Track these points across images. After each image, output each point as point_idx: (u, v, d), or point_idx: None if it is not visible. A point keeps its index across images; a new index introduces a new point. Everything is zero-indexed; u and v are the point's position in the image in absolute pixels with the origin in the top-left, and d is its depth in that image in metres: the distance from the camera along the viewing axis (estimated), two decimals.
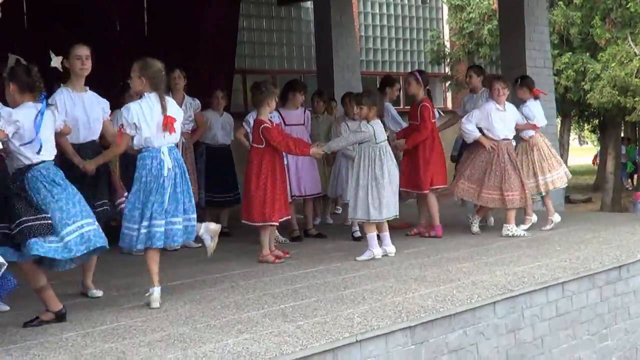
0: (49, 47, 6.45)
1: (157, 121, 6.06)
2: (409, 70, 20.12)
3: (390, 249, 8.02)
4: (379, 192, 7.83)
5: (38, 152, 5.54)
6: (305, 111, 9.63)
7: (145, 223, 6.02)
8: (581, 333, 7.10)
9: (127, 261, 7.83)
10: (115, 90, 8.12)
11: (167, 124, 6.05)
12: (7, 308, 6.11)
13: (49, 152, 5.65)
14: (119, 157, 8.66)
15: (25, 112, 5.55)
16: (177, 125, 6.23)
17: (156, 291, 6.08)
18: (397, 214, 8.01)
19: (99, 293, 6.58)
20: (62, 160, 6.19)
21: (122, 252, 7.84)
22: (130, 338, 5.17)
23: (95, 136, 6.61)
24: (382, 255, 7.90)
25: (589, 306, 7.18)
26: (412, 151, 9.12)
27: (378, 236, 7.95)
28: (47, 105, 5.69)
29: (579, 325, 7.07)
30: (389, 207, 7.88)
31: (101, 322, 5.63)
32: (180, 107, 8.63)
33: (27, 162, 5.54)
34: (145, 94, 6.12)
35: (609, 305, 7.42)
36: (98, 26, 11.67)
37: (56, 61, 6.24)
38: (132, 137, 6.10)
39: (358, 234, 9.19)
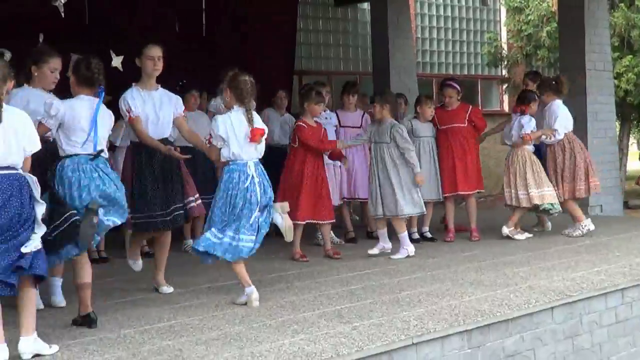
0: (110, 45, 6.54)
1: (244, 134, 6.12)
2: (466, 72, 20.07)
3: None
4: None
5: (86, 146, 5.58)
6: (363, 114, 9.62)
7: (231, 234, 6.09)
8: None
9: (183, 259, 7.91)
10: (172, 90, 8.19)
11: (256, 136, 6.11)
12: (64, 304, 6.21)
13: (99, 148, 5.65)
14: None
15: (73, 105, 5.59)
16: (263, 139, 6.27)
17: (253, 289, 6.15)
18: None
19: (169, 289, 6.69)
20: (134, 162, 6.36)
21: (183, 252, 7.96)
22: (187, 336, 5.22)
23: (166, 134, 6.64)
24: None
25: None
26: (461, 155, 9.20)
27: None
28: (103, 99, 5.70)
29: (638, 332, 6.95)
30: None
31: (158, 319, 5.69)
32: None
33: (72, 152, 5.57)
34: (234, 107, 6.20)
35: None
36: (157, 26, 11.80)
37: (116, 61, 6.31)
38: (220, 149, 6.16)
39: (416, 235, 9.19)
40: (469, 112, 9.32)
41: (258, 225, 6.17)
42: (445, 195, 9.23)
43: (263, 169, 6.32)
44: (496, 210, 9.37)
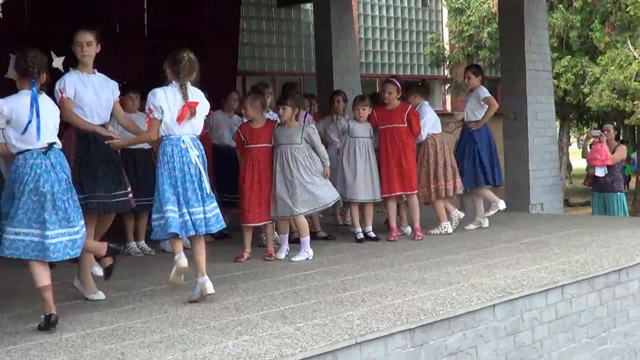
0: (50, 47, 6.46)
1: (177, 109, 6.13)
2: (409, 72, 20.21)
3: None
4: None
5: (38, 139, 5.54)
6: (306, 115, 9.63)
7: (184, 210, 6.09)
8: (580, 336, 7.10)
9: (125, 262, 7.83)
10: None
11: (183, 111, 6.10)
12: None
13: (48, 139, 5.62)
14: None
15: (15, 100, 5.55)
16: (199, 117, 6.27)
17: (206, 279, 6.15)
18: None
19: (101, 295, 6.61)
20: (80, 149, 6.28)
21: (126, 255, 7.86)
22: (130, 339, 5.17)
23: (107, 117, 6.56)
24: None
25: (588, 309, 7.18)
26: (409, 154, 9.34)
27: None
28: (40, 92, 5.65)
29: (578, 328, 7.07)
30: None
31: (101, 323, 5.63)
32: None
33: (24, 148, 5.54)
34: (171, 82, 6.21)
35: (608, 308, 7.42)
36: (97, 28, 11.67)
37: (57, 62, 6.23)
38: (155, 122, 6.15)
39: (361, 235, 9.23)
40: (407, 111, 9.32)
41: (203, 198, 6.18)
42: (384, 195, 9.27)
43: (202, 147, 6.31)
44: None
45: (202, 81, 6.42)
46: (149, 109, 6.19)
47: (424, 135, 9.50)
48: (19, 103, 5.55)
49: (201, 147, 6.31)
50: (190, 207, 6.12)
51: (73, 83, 6.35)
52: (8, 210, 5.56)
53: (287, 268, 7.66)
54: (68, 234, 5.58)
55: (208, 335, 5.20)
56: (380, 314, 5.62)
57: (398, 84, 9.37)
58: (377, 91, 10.52)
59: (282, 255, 8.29)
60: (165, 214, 6.09)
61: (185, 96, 6.14)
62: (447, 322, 5.78)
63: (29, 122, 5.51)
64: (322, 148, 8.44)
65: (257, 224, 8.33)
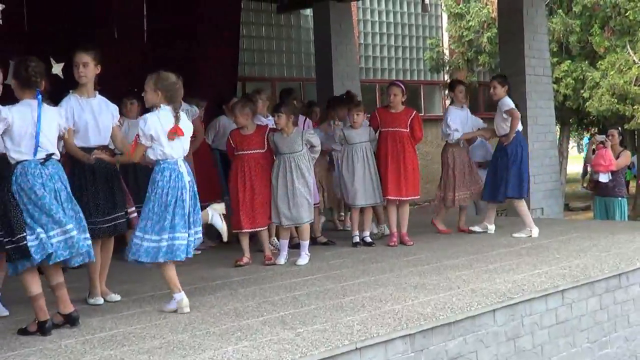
0: (50, 53, 6.46)
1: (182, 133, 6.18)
2: (408, 78, 20.19)
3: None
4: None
5: (35, 152, 5.54)
6: (305, 120, 9.63)
7: (166, 236, 6.06)
8: (581, 341, 7.09)
9: (125, 268, 7.81)
10: (113, 98, 8.12)
11: (174, 133, 6.10)
12: (7, 313, 6.12)
13: (47, 150, 5.62)
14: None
15: (19, 109, 5.55)
16: (186, 139, 6.28)
17: (183, 296, 6.12)
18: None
19: (117, 297, 6.69)
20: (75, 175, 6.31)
21: (126, 260, 7.84)
22: (130, 345, 5.16)
23: (106, 141, 6.56)
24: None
25: (589, 314, 7.17)
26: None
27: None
28: (42, 101, 5.66)
29: (578, 333, 7.06)
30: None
31: (100, 328, 5.63)
32: None
33: (20, 159, 5.55)
34: (161, 105, 6.16)
35: (608, 313, 7.41)
36: (97, 33, 11.68)
37: (57, 68, 6.23)
38: (147, 149, 6.14)
39: (357, 239, 9.23)
40: (411, 117, 9.32)
41: (190, 223, 6.17)
42: (388, 198, 9.25)
43: (188, 166, 6.35)
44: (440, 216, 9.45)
45: (203, 86, 6.44)
46: (137, 134, 6.17)
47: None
48: (23, 113, 5.56)
49: (190, 170, 6.32)
50: (175, 232, 6.10)
51: (71, 108, 6.32)
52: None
53: (287, 273, 7.65)
54: (63, 232, 5.56)
55: (208, 340, 5.19)
56: (381, 319, 5.61)
57: (402, 86, 9.39)
58: (349, 92, 10.42)
59: (282, 260, 8.30)
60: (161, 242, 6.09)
61: (177, 120, 6.15)
62: (447, 327, 5.77)
63: (30, 133, 5.53)
64: (319, 148, 8.56)
65: (250, 230, 8.33)
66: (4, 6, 6.98)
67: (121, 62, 10.97)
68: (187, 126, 6.30)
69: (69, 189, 5.73)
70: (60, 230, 5.51)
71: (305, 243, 8.38)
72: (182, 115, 6.29)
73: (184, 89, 6.34)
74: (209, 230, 9.96)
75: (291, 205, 8.26)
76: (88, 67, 6.38)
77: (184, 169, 6.18)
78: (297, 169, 8.27)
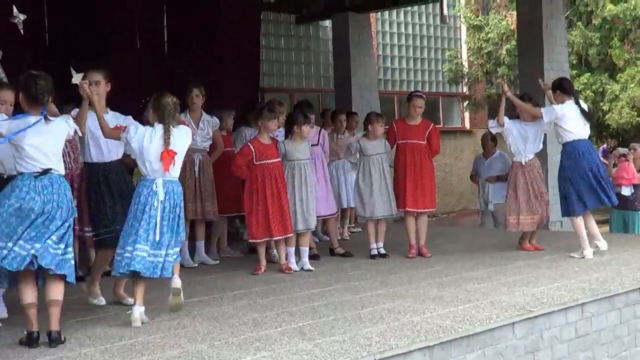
0: (70, 63, 6.53)
1: (156, 153, 6.16)
2: (427, 89, 20.18)
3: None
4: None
5: (30, 164, 5.59)
6: (320, 131, 9.64)
7: (129, 248, 6.07)
8: (600, 355, 7.04)
9: None
10: (133, 108, 8.18)
11: (167, 157, 6.14)
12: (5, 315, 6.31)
13: (42, 164, 5.61)
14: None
15: (16, 123, 5.60)
16: (178, 160, 6.29)
17: (137, 309, 6.09)
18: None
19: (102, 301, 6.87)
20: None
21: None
22: (149, 354, 5.18)
23: (119, 155, 6.78)
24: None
25: (609, 328, 7.13)
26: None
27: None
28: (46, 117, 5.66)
29: (598, 347, 7.02)
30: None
31: (119, 337, 5.65)
32: (197, 125, 8.81)
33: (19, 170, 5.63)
34: (155, 124, 6.26)
35: (628, 327, 7.36)
36: (118, 44, 11.76)
37: (77, 78, 6.31)
38: (121, 136, 6.29)
39: (375, 251, 9.24)
40: (429, 129, 9.32)
41: (159, 241, 6.13)
42: (406, 210, 9.25)
43: (176, 187, 6.28)
44: (459, 227, 9.43)
45: (225, 98, 6.50)
46: (124, 126, 6.31)
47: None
48: (19, 126, 5.58)
49: (176, 191, 6.26)
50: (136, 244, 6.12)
51: (87, 125, 6.51)
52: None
53: (305, 284, 7.65)
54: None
55: (226, 350, 5.20)
56: (399, 331, 5.60)
57: (424, 97, 9.42)
58: (337, 109, 10.59)
59: (294, 265, 8.52)
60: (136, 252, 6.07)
61: (167, 142, 6.17)
62: (466, 340, 5.75)
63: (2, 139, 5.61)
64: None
65: (281, 237, 8.40)
66: (25, 16, 7.06)
67: (142, 74, 11.05)
68: (181, 145, 6.34)
69: (68, 206, 5.68)
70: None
71: (307, 249, 8.70)
72: (179, 131, 6.35)
73: (206, 100, 6.40)
74: (233, 241, 10.04)
75: (305, 210, 8.51)
76: (100, 85, 6.63)
77: (160, 189, 6.14)
78: (308, 174, 8.55)
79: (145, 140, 6.17)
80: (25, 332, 5.53)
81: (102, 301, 6.84)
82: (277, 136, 8.77)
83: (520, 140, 9.20)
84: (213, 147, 9.20)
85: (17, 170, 5.61)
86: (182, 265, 8.61)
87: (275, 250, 8.90)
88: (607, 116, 21.59)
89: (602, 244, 8.86)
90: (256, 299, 6.99)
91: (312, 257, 9.06)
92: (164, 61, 12.55)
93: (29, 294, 5.56)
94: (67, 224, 5.63)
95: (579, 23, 21.68)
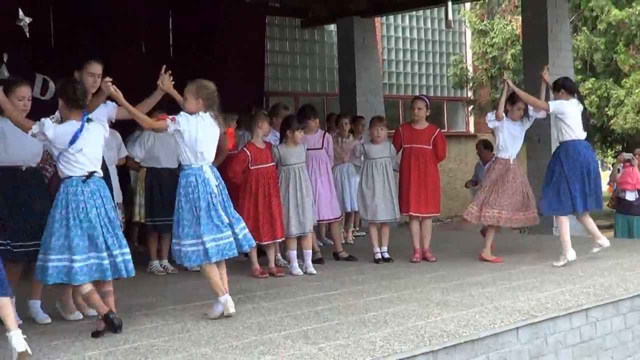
0: (76, 67, 6.54)
1: (210, 140, 6.39)
2: (432, 94, 20.17)
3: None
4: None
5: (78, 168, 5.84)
6: (324, 135, 9.63)
7: (204, 239, 6.23)
8: None
9: (148, 280, 7.86)
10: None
11: (231, 135, 6.50)
12: (49, 320, 6.31)
13: (88, 168, 5.87)
14: (143, 181, 8.83)
15: (64, 130, 5.78)
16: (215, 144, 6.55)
17: (228, 298, 6.32)
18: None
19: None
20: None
21: (149, 273, 7.87)
22: (153, 358, 5.18)
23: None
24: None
25: (613, 333, 7.11)
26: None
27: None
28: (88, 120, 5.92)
29: (602, 352, 7.00)
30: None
31: (124, 341, 5.65)
32: None
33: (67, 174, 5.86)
34: (200, 113, 6.37)
35: (633, 332, 7.34)
36: (123, 48, 11.78)
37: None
38: (168, 128, 6.31)
39: (379, 255, 9.23)
40: (435, 134, 9.31)
41: (230, 222, 6.37)
42: (410, 214, 9.25)
43: (216, 170, 6.51)
44: (463, 232, 9.41)
45: (230, 101, 6.54)
46: (174, 118, 6.31)
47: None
48: (61, 132, 5.79)
49: (218, 174, 6.50)
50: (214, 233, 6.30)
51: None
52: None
53: (309, 288, 7.65)
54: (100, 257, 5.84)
55: (230, 354, 5.20)
56: (403, 336, 5.59)
57: (427, 100, 9.40)
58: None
59: (297, 270, 8.57)
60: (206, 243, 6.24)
61: (221, 125, 6.46)
62: (470, 345, 5.74)
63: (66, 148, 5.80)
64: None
65: (271, 242, 8.47)
66: (30, 19, 7.08)
67: (148, 76, 11.02)
68: (215, 132, 6.50)
69: (112, 206, 6.00)
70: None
71: (310, 252, 8.72)
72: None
73: None
74: None
75: (300, 214, 8.53)
76: (100, 79, 6.57)
77: (211, 174, 6.35)
78: (304, 179, 8.60)
79: (199, 130, 6.30)
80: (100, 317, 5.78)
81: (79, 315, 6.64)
82: (274, 139, 8.82)
83: (510, 137, 9.10)
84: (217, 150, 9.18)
85: (65, 174, 5.82)
86: (185, 269, 8.69)
87: (279, 254, 8.93)
88: (612, 121, 21.57)
89: (604, 241, 8.84)
90: (260, 302, 6.99)
91: (317, 261, 9.06)
92: (168, 64, 12.53)
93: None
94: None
95: (584, 28, 21.67)
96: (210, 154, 6.43)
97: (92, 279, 5.79)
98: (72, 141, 5.76)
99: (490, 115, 9.21)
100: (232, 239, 6.35)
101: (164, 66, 6.58)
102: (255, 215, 8.28)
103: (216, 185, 6.34)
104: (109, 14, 11.75)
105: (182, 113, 6.37)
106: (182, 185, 6.31)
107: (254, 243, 6.79)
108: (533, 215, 9.15)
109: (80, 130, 5.80)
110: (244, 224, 6.57)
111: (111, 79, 6.36)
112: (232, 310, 6.27)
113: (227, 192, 6.48)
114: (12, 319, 5.06)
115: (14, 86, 6.17)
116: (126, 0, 12.01)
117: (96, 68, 6.57)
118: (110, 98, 6.47)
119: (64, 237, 5.73)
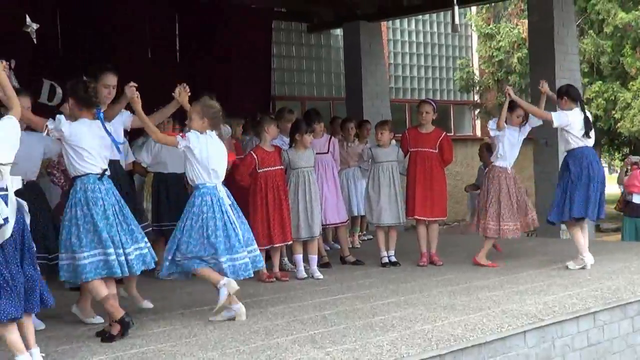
0: (83, 72, 6.56)
1: (223, 157, 6.52)
2: (438, 97, 20.16)
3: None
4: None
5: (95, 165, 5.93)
6: (330, 139, 9.63)
7: (221, 259, 6.34)
8: None
9: (156, 285, 7.87)
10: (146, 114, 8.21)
11: (233, 156, 6.47)
12: (43, 326, 6.20)
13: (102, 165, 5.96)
14: (150, 186, 8.85)
15: (78, 127, 5.84)
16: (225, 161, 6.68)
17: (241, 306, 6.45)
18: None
19: (149, 305, 6.99)
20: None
21: (156, 278, 7.87)
22: None
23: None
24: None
25: (621, 337, 7.10)
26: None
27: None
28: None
29: (610, 355, 6.99)
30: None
31: (131, 345, 5.65)
32: None
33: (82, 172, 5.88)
34: (207, 131, 6.44)
35: None
36: (130, 53, 11.80)
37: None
38: (178, 144, 6.37)
39: (386, 259, 9.23)
40: (441, 138, 9.30)
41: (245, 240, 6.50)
42: (416, 218, 9.25)
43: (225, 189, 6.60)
44: (470, 235, 9.39)
45: (236, 105, 6.56)
46: (184, 134, 6.37)
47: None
48: (81, 129, 5.85)
49: (229, 193, 6.60)
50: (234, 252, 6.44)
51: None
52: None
53: (316, 293, 7.65)
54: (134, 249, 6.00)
55: (237, 359, 5.20)
56: (410, 340, 5.59)
57: (433, 104, 9.39)
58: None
59: (302, 274, 8.57)
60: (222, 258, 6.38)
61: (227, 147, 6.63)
62: (477, 348, 5.74)
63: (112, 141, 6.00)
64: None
65: (281, 244, 8.54)
66: (38, 25, 7.10)
67: (154, 82, 11.06)
68: (224, 150, 6.62)
69: (122, 202, 6.06)
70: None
71: (316, 257, 8.74)
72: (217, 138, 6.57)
73: None
74: None
75: (309, 217, 8.53)
76: (115, 90, 6.67)
77: (224, 193, 6.46)
78: (312, 182, 8.60)
79: (209, 147, 6.39)
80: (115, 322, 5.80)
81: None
82: (280, 144, 8.83)
83: (509, 146, 9.03)
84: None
85: (81, 171, 5.85)
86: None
87: (285, 258, 8.94)
88: (619, 124, 21.53)
89: (588, 259, 8.59)
90: (267, 307, 6.99)
91: (323, 265, 9.07)
92: (176, 69, 12.59)
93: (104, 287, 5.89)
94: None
95: (591, 31, 21.64)
96: (222, 172, 6.51)
97: (136, 271, 5.96)
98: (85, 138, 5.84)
99: (492, 124, 9.19)
100: (247, 259, 6.46)
101: (184, 84, 6.69)
102: (267, 217, 8.29)
103: (230, 205, 6.44)
104: (116, 21, 11.79)
105: (192, 130, 6.40)
106: (196, 205, 6.38)
107: (263, 265, 6.92)
108: (532, 218, 9.15)
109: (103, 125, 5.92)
110: (255, 245, 6.70)
111: (136, 84, 6.40)
112: (243, 317, 6.41)
113: (241, 212, 6.60)
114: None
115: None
116: (133, 4, 12.05)
117: (112, 79, 6.61)
118: (128, 104, 6.52)
119: (93, 233, 5.77)
